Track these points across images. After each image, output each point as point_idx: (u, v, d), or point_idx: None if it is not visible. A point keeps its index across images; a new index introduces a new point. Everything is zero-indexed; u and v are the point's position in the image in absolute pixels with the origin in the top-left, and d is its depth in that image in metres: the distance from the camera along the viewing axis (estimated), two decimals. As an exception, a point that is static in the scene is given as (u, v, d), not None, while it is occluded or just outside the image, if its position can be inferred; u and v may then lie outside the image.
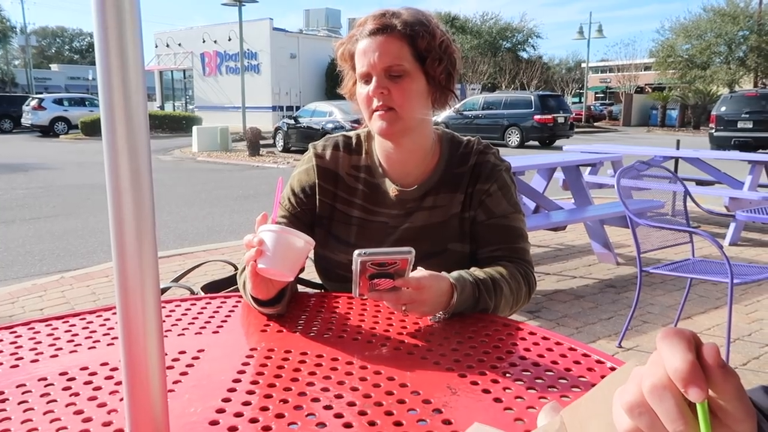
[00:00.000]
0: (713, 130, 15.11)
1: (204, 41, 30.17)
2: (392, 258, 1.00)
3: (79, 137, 21.77)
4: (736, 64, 33.68)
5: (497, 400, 0.82)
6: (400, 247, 1.02)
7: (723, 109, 15.16)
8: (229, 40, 28.14)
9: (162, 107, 31.83)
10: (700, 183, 6.31)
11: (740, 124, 14.88)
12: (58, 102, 24.54)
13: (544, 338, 1.04)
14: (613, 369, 0.92)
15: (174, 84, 33.77)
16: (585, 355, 0.97)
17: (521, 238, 1.30)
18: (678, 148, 6.32)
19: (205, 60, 30.54)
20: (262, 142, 15.80)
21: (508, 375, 0.90)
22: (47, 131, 23.63)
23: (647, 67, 39.73)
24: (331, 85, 26.52)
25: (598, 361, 0.94)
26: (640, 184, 3.78)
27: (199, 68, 30.84)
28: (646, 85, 40.46)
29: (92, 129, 21.31)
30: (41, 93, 31.75)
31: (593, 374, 0.90)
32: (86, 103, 25.01)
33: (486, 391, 0.84)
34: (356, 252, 0.99)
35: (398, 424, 0.76)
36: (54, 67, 61.02)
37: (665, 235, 3.20)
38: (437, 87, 1.26)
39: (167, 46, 32.09)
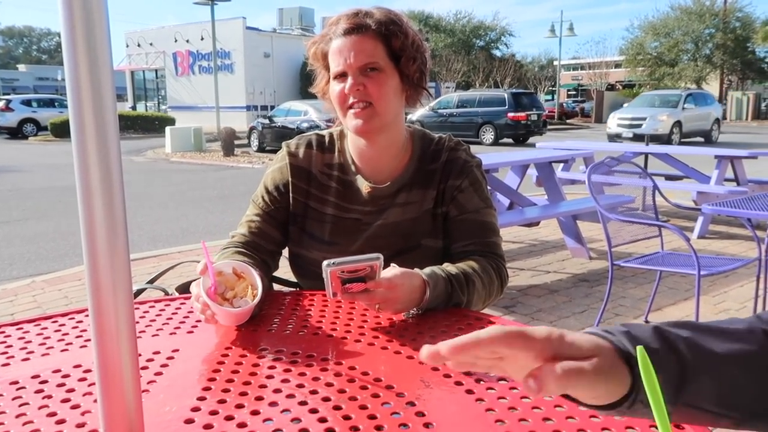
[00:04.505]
0: None
1: (176, 41, 29.77)
2: (361, 265, 1.01)
3: (48, 139, 21.32)
4: (703, 62, 34.43)
5: (469, 391, 0.84)
6: (368, 254, 1.03)
7: None
8: (202, 39, 27.81)
9: (134, 108, 31.34)
10: (669, 178, 6.45)
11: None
12: (27, 103, 23.98)
13: (516, 331, 1.06)
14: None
15: (146, 84, 33.26)
16: (555, 346, 0.99)
17: (493, 233, 1.32)
18: (647, 144, 6.44)
19: (178, 59, 30.14)
20: (236, 142, 15.66)
21: (480, 367, 0.91)
22: (15, 133, 23.08)
23: (617, 65, 40.35)
24: (305, 84, 26.12)
25: (568, 352, 0.97)
26: (611, 180, 3.85)
27: (172, 68, 30.43)
28: (616, 82, 41.10)
29: (62, 130, 20.88)
30: (8, 94, 31.04)
31: (562, 364, 0.92)
32: (55, 104, 24.48)
33: (458, 383, 0.86)
34: (325, 262, 1.00)
35: (372, 417, 0.77)
36: (21, 67, 59.75)
37: (636, 230, 3.27)
38: (411, 85, 1.28)
39: (138, 45, 31.59)
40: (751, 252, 4.73)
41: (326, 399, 0.82)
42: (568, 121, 32.78)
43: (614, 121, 18.70)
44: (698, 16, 34.04)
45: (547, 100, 36.33)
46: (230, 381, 0.87)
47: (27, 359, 0.96)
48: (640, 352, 0.46)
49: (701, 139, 18.74)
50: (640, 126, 17.58)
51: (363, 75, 1.22)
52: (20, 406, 0.81)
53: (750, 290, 3.73)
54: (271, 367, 0.91)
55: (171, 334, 1.06)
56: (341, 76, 1.24)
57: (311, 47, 1.30)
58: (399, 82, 1.26)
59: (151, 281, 1.65)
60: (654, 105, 18.73)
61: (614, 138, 17.96)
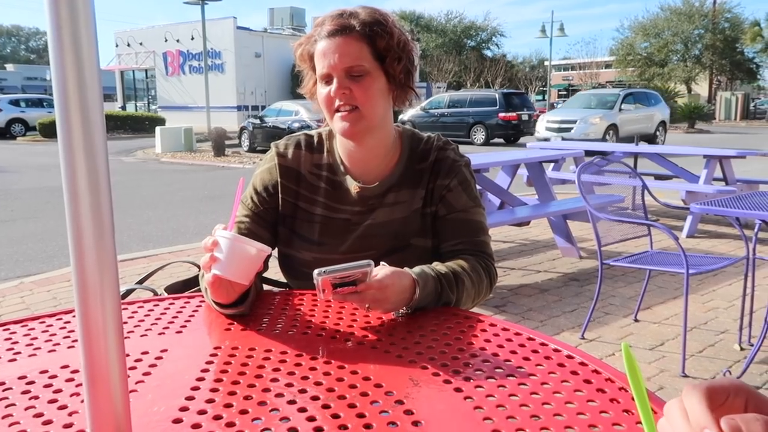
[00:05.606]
0: None
1: (166, 40, 29.62)
2: (352, 272, 1.02)
3: (37, 139, 21.16)
4: (693, 62, 34.74)
5: (458, 389, 0.84)
6: (359, 260, 1.04)
7: None
8: (192, 39, 27.69)
9: (124, 107, 31.15)
10: (658, 177, 6.49)
11: None
12: (15, 103, 23.78)
13: (504, 329, 1.06)
14: (569, 357, 0.95)
15: (136, 84, 33.07)
16: (543, 344, 1.00)
17: (482, 232, 1.33)
18: (637, 144, 6.48)
19: (168, 59, 29.99)
20: (227, 142, 15.61)
21: (468, 366, 0.92)
22: (3, 133, 22.87)
23: (608, 65, 40.63)
24: (296, 84, 26.04)
25: (555, 350, 0.97)
26: (601, 180, 3.87)
27: (162, 68, 30.28)
28: (607, 82, 41.33)
29: (51, 130, 20.69)
30: (-4, 94, 30.77)
31: (550, 362, 0.93)
32: (44, 104, 24.26)
33: (447, 382, 0.87)
34: (316, 271, 1.01)
35: (361, 416, 0.77)
36: (9, 67, 59.33)
37: (625, 229, 3.29)
38: (397, 85, 1.28)
39: (128, 45, 31.41)
40: (740, 251, 4.77)
41: (315, 398, 0.82)
42: (558, 121, 32.86)
43: (543, 124, 16.69)
44: (688, 16, 34.35)
45: (537, 100, 36.49)
46: (219, 381, 0.87)
47: (14, 360, 0.95)
48: (624, 348, 0.46)
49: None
50: (569, 129, 15.84)
51: (348, 78, 1.22)
52: (6, 407, 0.80)
53: (738, 289, 3.76)
54: (260, 367, 0.91)
55: (160, 334, 1.06)
56: (327, 78, 1.24)
57: (297, 49, 1.30)
58: (385, 82, 1.26)
59: (141, 282, 1.65)
60: (590, 106, 16.94)
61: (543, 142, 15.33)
